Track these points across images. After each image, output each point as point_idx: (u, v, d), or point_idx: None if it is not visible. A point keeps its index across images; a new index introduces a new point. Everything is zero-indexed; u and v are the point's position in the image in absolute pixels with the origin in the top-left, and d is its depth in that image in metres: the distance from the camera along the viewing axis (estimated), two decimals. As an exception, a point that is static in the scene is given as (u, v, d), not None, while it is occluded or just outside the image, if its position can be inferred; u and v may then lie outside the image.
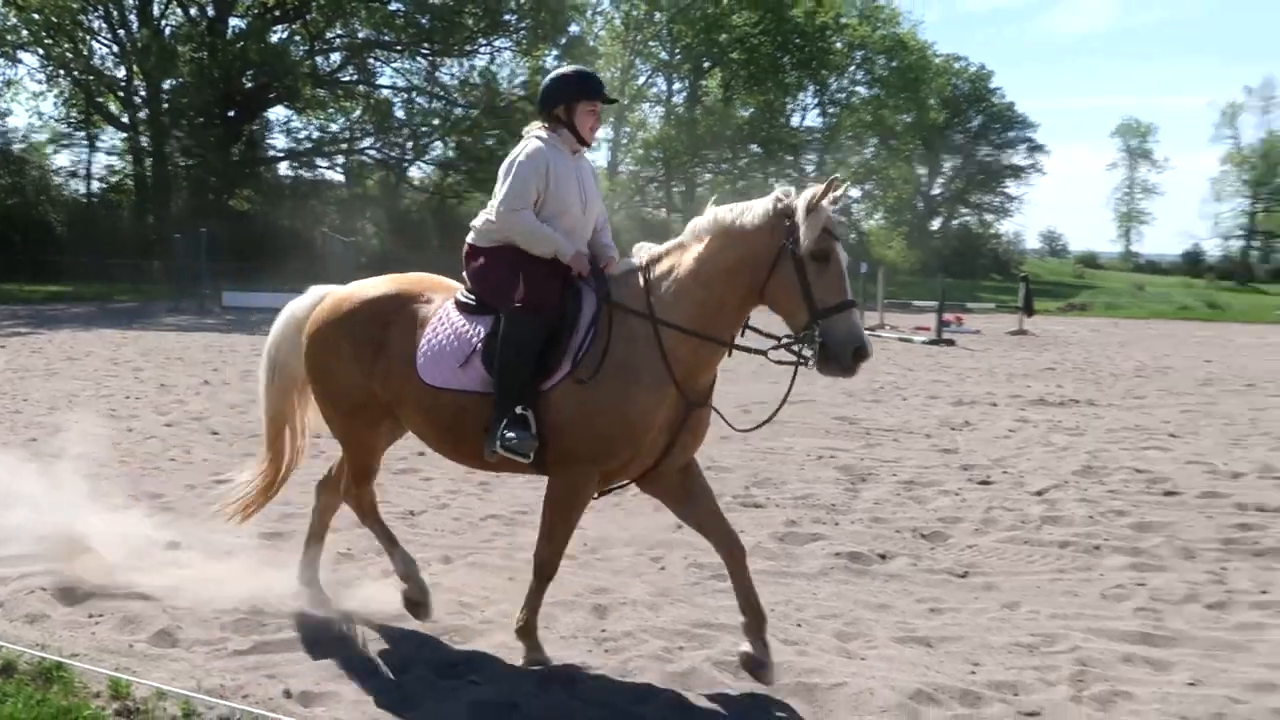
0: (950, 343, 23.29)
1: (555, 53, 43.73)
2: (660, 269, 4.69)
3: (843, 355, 4.33)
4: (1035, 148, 68.42)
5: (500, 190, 4.79)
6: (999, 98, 67.07)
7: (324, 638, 4.99)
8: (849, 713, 4.38)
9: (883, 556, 6.67)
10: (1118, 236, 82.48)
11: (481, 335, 4.73)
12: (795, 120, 59.98)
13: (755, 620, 4.69)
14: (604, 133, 55.08)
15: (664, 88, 58.35)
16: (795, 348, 4.52)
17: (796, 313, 4.43)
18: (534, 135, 4.89)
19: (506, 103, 43.24)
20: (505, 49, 44.62)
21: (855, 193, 62.63)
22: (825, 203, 4.35)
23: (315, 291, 5.44)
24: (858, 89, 59.27)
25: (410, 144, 46.47)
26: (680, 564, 6.41)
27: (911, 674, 4.72)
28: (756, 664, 4.60)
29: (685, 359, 4.57)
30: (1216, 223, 73.70)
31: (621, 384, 4.53)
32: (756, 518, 7.46)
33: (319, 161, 46.86)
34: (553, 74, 5.04)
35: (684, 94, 57.66)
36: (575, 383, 4.55)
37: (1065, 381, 16.33)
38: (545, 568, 4.82)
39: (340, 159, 47.15)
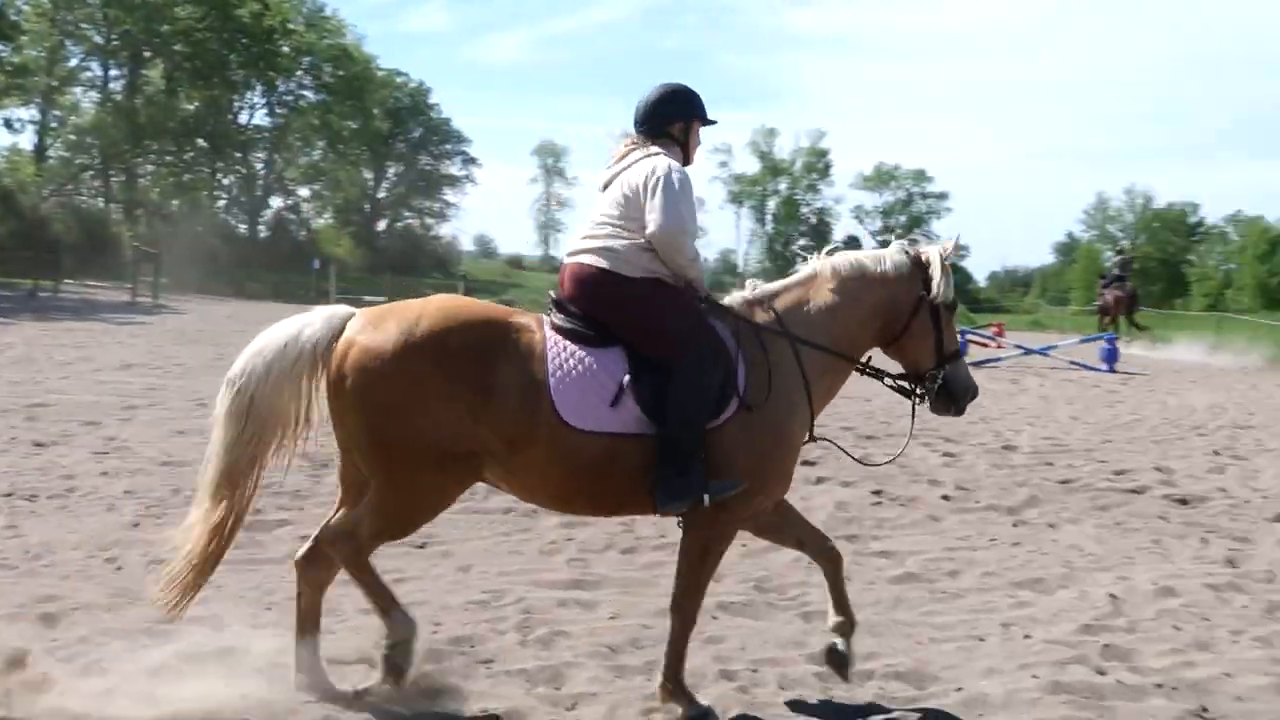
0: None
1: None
2: (785, 302, 4.42)
3: (963, 398, 4.48)
4: (469, 160, 70.84)
5: (665, 209, 4.12)
6: (437, 113, 68.54)
7: None
8: (335, 683, 4.27)
9: (347, 535, 6.57)
10: (539, 242, 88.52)
11: (624, 371, 4.06)
12: (244, 118, 56.42)
13: (849, 621, 4.49)
14: (29, 113, 47.91)
15: (99, 73, 51.87)
16: (912, 388, 4.54)
17: (924, 358, 4.47)
18: (654, 153, 4.31)
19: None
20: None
21: (305, 192, 60.80)
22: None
23: (335, 313, 4.12)
24: (305, 93, 57.16)
25: None
26: (139, 562, 5.80)
27: (378, 639, 4.71)
28: (844, 661, 4.45)
29: (822, 390, 4.39)
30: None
31: (784, 411, 4.23)
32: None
33: None
34: (667, 87, 4.45)
35: (123, 81, 51.68)
36: (744, 413, 4.13)
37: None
38: (690, 618, 4.27)
39: None
